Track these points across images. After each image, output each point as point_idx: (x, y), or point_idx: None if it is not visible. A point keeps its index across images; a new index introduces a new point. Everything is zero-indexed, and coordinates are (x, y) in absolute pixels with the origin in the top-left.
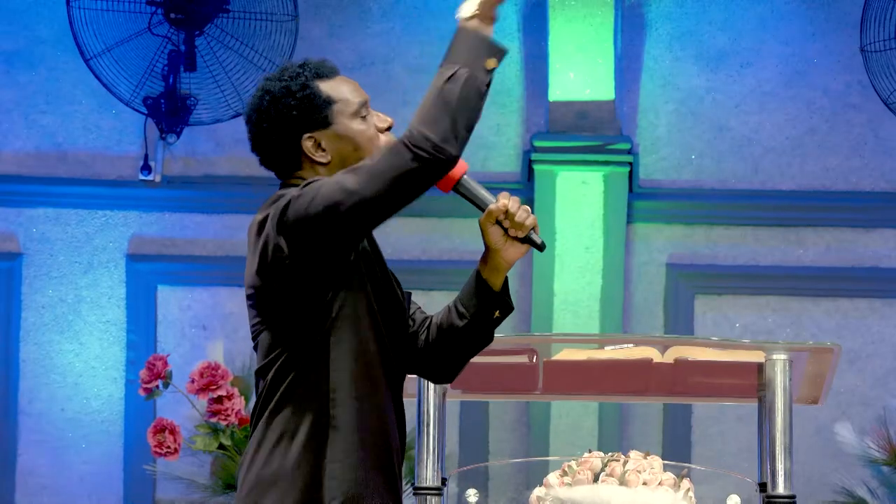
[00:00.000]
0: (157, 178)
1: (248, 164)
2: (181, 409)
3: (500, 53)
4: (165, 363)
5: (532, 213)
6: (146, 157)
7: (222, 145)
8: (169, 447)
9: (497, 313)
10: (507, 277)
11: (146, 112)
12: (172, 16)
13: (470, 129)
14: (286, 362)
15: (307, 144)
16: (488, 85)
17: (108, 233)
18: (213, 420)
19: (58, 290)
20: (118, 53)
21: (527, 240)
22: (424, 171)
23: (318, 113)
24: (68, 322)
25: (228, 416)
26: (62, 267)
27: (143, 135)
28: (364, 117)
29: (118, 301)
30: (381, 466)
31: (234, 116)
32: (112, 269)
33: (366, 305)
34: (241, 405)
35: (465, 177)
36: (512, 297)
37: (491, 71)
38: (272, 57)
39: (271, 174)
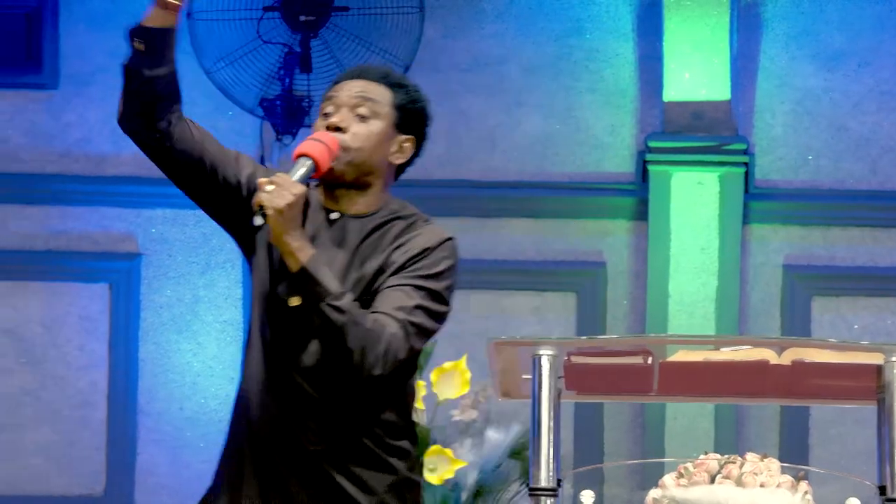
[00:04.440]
0: None
1: None
2: None
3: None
4: None
5: (267, 190)
6: (262, 159)
7: None
8: None
9: (293, 299)
10: (305, 269)
11: (263, 115)
12: (302, 18)
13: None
14: None
15: None
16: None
17: (225, 233)
18: None
19: (176, 290)
20: (236, 62)
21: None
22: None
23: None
24: (186, 322)
25: None
26: (180, 267)
27: (259, 137)
28: (324, 115)
29: (235, 301)
30: (231, 462)
31: None
32: (229, 269)
33: (257, 292)
34: None
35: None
36: (626, 297)
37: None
38: (396, 52)
39: None
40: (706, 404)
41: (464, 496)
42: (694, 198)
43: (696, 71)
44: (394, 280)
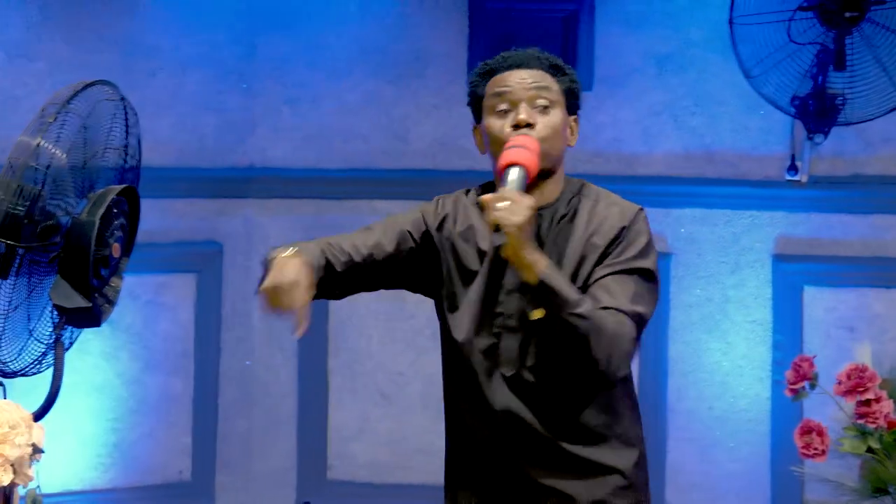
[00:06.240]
0: (804, 179)
1: None
2: (827, 410)
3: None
4: (811, 364)
5: (500, 207)
6: (793, 158)
7: (871, 144)
8: (816, 448)
9: (535, 312)
10: (541, 280)
11: (794, 113)
12: (847, 15)
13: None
14: None
15: (475, 135)
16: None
17: (755, 233)
18: (861, 423)
19: (705, 289)
20: (773, 63)
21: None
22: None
23: (476, 107)
24: (715, 321)
25: (876, 419)
26: (709, 266)
27: (790, 135)
28: (500, 112)
29: (764, 301)
30: (467, 461)
31: (885, 113)
32: (758, 269)
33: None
34: (889, 408)
35: (513, 168)
36: None
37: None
38: None
39: None
40: None
41: None
42: None
43: None
44: (604, 270)
